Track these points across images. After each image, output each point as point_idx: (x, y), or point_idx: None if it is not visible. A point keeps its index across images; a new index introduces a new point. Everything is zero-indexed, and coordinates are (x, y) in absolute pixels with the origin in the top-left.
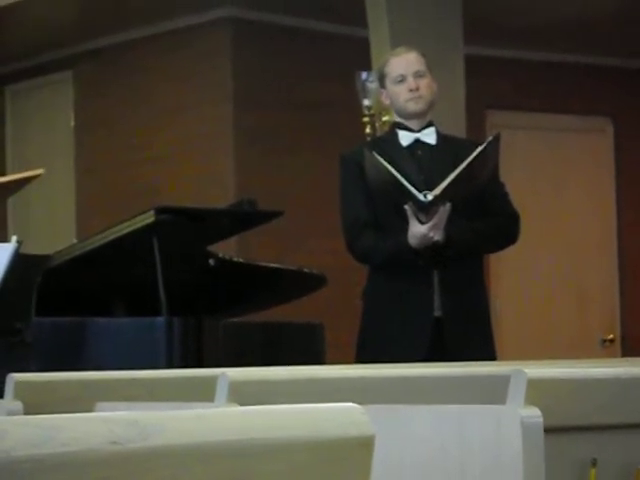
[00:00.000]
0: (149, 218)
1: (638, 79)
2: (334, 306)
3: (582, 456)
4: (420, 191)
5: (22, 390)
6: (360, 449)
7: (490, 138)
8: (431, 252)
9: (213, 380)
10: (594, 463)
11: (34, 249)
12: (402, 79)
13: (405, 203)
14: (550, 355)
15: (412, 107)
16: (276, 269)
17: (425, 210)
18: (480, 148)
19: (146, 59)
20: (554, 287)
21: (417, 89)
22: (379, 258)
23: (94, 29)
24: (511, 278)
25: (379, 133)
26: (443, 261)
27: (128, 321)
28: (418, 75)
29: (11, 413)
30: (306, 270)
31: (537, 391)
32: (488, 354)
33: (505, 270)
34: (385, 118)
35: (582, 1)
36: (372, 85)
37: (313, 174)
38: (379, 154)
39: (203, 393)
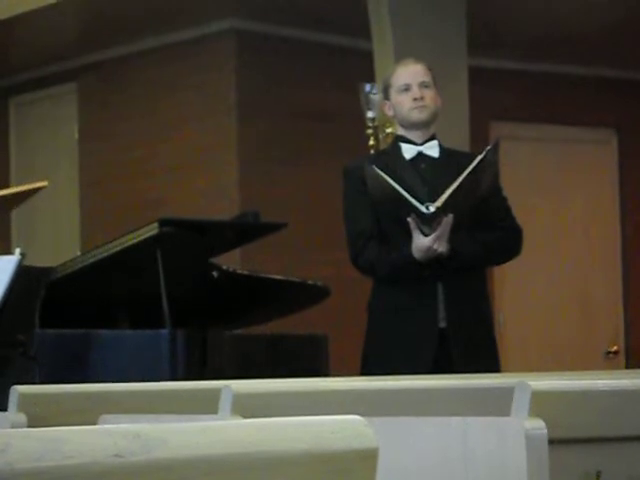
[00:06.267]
0: (153, 230)
1: None
2: (337, 318)
3: (587, 468)
4: (423, 203)
5: (26, 402)
6: (364, 461)
7: (489, 146)
8: (435, 264)
9: (217, 392)
10: (598, 475)
11: (38, 261)
12: (407, 88)
13: (408, 216)
14: (554, 367)
15: (416, 116)
16: (279, 281)
17: (428, 222)
18: (480, 157)
19: (150, 71)
20: (558, 299)
21: (422, 98)
22: (383, 270)
23: (97, 42)
24: (515, 290)
25: (382, 145)
26: (447, 273)
27: (132, 333)
28: (423, 85)
29: (15, 425)
30: (309, 282)
31: (541, 403)
32: (492, 366)
33: (509, 282)
34: (389, 130)
35: (586, 13)
36: (376, 97)
37: (317, 186)
38: (382, 167)
39: (207, 405)
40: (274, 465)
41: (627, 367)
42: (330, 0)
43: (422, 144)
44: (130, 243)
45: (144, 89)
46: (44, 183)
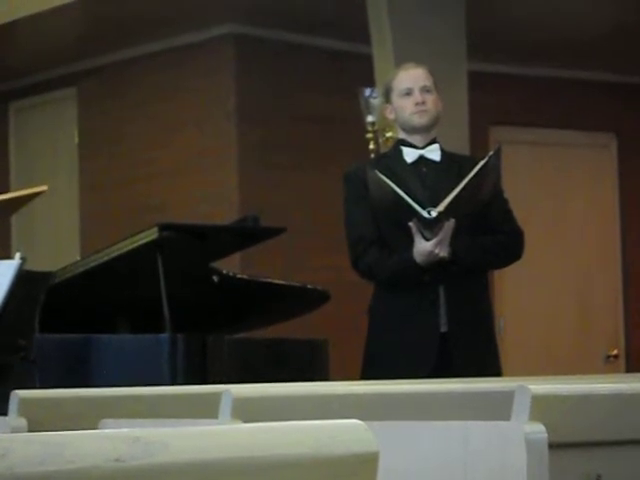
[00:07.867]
0: (152, 235)
1: None
2: (337, 323)
3: (586, 472)
4: (424, 208)
5: (26, 407)
6: (364, 466)
7: (491, 152)
8: (437, 268)
9: (217, 397)
10: (598, 479)
11: (38, 266)
12: (409, 92)
13: (409, 220)
14: (554, 371)
15: (417, 120)
16: (280, 285)
17: (430, 227)
18: (482, 162)
19: (149, 76)
20: (558, 303)
21: (423, 103)
22: (384, 275)
23: (97, 46)
24: (515, 294)
25: (382, 149)
26: (448, 277)
27: (132, 338)
28: (425, 90)
29: (15, 430)
30: (309, 286)
31: (541, 407)
32: (493, 370)
33: (509, 286)
34: (388, 134)
35: (586, 17)
36: (376, 101)
37: (316, 190)
38: (384, 171)
39: (207, 410)
40: (274, 469)
41: (627, 371)
42: (329, 4)
43: (423, 148)
44: (130, 248)
45: (144, 94)
46: (44, 187)
